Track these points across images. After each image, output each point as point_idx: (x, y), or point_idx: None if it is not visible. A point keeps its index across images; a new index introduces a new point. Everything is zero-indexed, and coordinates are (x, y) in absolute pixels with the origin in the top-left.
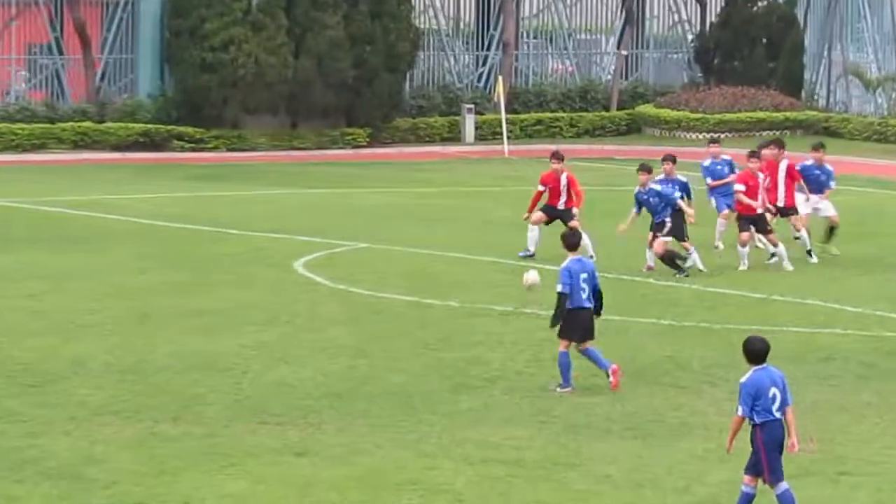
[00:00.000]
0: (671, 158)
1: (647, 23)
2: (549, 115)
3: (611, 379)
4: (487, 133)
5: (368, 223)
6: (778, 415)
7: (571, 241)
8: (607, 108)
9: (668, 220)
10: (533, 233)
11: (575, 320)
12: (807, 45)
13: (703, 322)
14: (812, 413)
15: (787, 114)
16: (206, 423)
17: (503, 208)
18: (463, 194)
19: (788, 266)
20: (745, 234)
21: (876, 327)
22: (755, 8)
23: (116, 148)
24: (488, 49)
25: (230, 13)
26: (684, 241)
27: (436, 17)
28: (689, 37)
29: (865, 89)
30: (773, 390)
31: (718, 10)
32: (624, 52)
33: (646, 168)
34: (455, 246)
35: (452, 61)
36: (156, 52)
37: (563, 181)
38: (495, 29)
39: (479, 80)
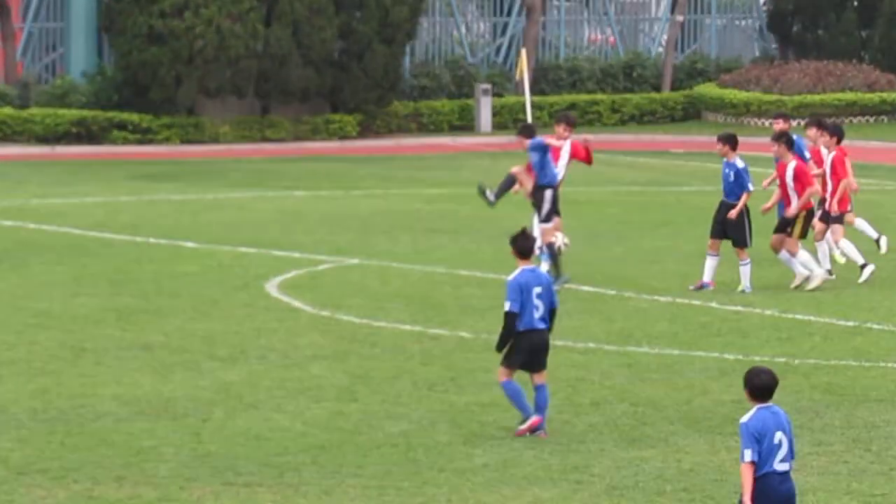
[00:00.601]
0: (724, 138)
1: None
2: (585, 97)
3: (521, 426)
4: (507, 120)
5: (359, 234)
6: (781, 467)
7: (523, 247)
8: (658, 89)
9: (548, 196)
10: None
11: (526, 345)
12: None
13: (780, 356)
14: None
15: (884, 95)
16: (158, 484)
17: (526, 216)
18: (477, 198)
19: (813, 283)
20: (774, 238)
21: None
22: None
23: (43, 140)
24: (508, 14)
25: None
26: (743, 247)
27: None
28: None
29: None
30: (780, 435)
31: None
32: (679, 18)
33: (528, 130)
34: (467, 262)
35: (463, 30)
36: (91, 20)
37: (566, 151)
38: None
39: (496, 54)
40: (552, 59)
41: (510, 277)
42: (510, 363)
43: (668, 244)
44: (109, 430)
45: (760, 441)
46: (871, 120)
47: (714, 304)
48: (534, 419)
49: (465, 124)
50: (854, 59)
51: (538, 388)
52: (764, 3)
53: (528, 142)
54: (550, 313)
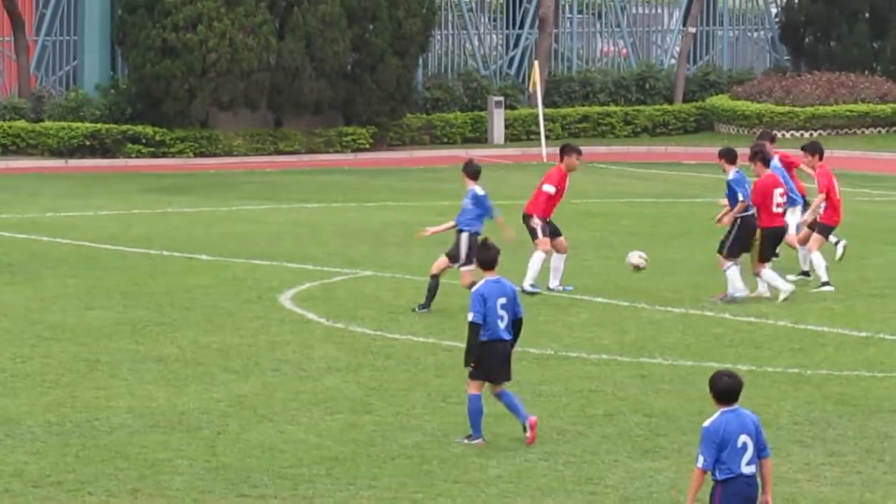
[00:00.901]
0: (721, 153)
1: None
2: (597, 109)
3: (527, 434)
4: (520, 132)
5: (372, 246)
6: (748, 470)
7: (486, 258)
8: (671, 101)
9: (464, 239)
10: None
11: (489, 355)
12: None
13: (793, 367)
14: None
15: None
16: (173, 497)
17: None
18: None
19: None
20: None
21: None
22: None
23: (57, 154)
24: (521, 27)
25: None
26: (720, 252)
27: None
28: (774, 10)
29: None
30: (744, 438)
31: None
32: (692, 30)
33: (472, 171)
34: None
35: (476, 42)
36: (105, 33)
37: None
38: (529, 1)
39: (509, 66)
40: (565, 72)
41: (473, 289)
42: (480, 376)
43: (680, 256)
44: (124, 442)
45: (721, 446)
46: (883, 131)
47: (727, 315)
48: (480, 442)
49: (477, 136)
50: (866, 71)
51: (501, 395)
52: (776, 15)
53: (473, 188)
54: (516, 324)
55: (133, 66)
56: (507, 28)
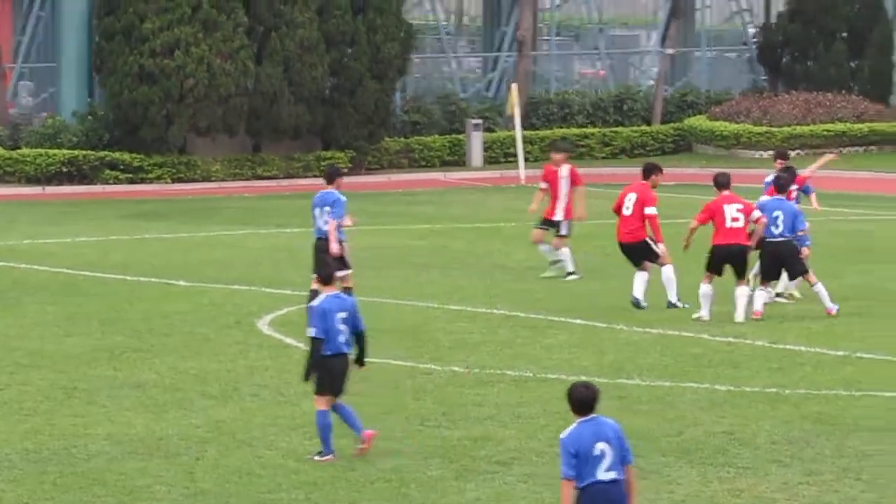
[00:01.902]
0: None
1: (698, 14)
2: (575, 131)
3: (361, 445)
4: (499, 155)
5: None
6: (606, 476)
7: (326, 273)
8: (649, 122)
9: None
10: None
11: (332, 369)
12: None
13: (771, 387)
14: None
15: (873, 125)
16: None
17: (518, 250)
18: (468, 232)
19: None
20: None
21: None
22: None
23: (34, 180)
24: (499, 49)
25: (175, 9)
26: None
27: (433, 10)
28: (751, 31)
29: None
30: (601, 446)
31: None
32: (669, 51)
33: (333, 173)
34: (459, 297)
35: (454, 65)
36: (82, 60)
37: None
38: (507, 24)
39: (487, 89)
40: (543, 94)
41: (314, 303)
42: (325, 390)
43: (658, 276)
44: (102, 469)
45: (578, 455)
46: (861, 150)
47: (705, 336)
48: (330, 457)
49: (456, 159)
50: (843, 90)
51: (337, 408)
52: (754, 36)
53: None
54: (358, 337)
55: (110, 92)
56: (486, 51)
